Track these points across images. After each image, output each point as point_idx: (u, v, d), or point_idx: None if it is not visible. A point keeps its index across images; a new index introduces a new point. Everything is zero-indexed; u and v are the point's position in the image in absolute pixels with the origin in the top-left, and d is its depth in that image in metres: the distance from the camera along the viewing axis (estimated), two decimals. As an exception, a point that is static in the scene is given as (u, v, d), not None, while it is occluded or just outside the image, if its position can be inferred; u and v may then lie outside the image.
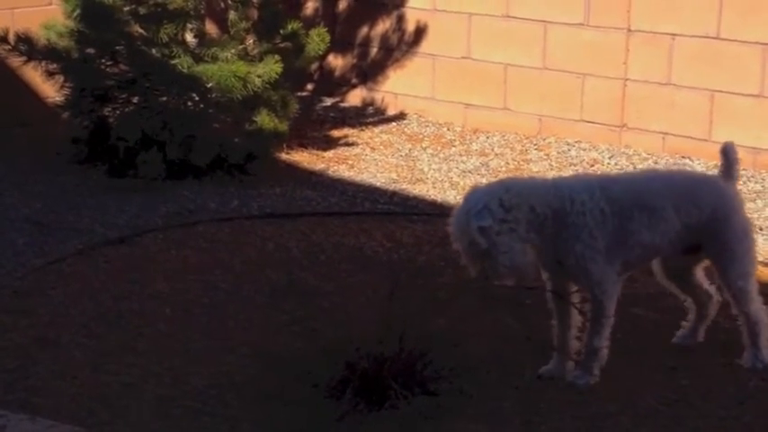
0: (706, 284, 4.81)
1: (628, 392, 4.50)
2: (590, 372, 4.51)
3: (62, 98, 7.45)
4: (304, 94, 9.13)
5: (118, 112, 7.30)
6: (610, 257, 4.41)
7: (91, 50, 7.25)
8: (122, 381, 4.62)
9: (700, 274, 4.80)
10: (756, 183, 7.28)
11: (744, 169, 7.42)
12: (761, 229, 6.49)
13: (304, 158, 7.77)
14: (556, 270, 4.49)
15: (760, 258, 5.94)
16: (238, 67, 7.04)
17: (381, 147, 8.10)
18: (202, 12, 7.41)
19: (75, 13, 7.15)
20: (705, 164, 7.55)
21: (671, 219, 4.48)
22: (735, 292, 4.63)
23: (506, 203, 4.27)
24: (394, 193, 7.11)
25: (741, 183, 7.19)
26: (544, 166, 7.66)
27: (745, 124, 7.53)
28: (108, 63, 7.32)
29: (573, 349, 4.59)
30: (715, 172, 4.82)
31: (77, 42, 7.21)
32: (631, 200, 4.45)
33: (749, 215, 6.58)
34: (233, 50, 7.26)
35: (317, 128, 8.47)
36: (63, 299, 5.40)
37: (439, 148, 8.06)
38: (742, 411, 4.40)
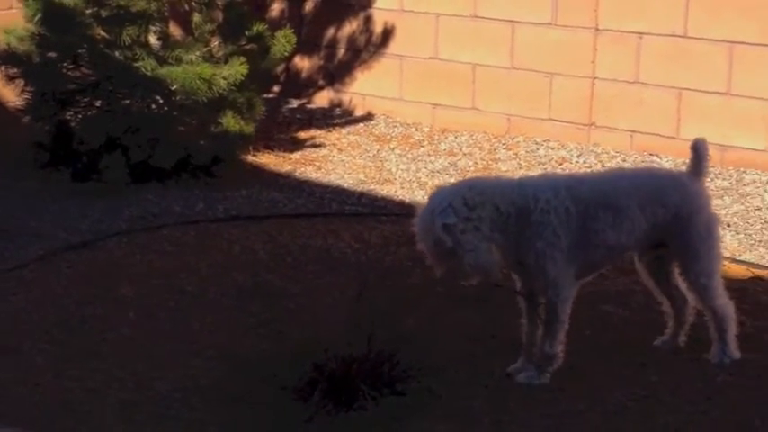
0: (683, 287, 4.75)
1: (597, 389, 4.48)
2: (543, 372, 4.50)
3: (23, 102, 7.37)
4: (270, 95, 9.08)
5: (80, 115, 7.23)
6: (571, 257, 4.38)
7: (52, 54, 7.18)
8: (85, 386, 4.56)
9: (678, 276, 4.75)
10: (724, 180, 7.29)
11: (711, 166, 7.43)
12: (728, 225, 6.49)
13: (270, 160, 7.72)
14: (520, 271, 4.47)
15: (727, 254, 5.98)
16: (203, 69, 6.99)
17: (349, 148, 8.06)
18: (166, 14, 7.34)
19: (36, 17, 7.07)
20: (673, 161, 7.55)
21: (637, 218, 4.47)
22: (699, 289, 4.61)
23: (470, 202, 4.26)
24: (362, 194, 7.07)
25: (709, 180, 7.22)
26: (513, 165, 7.64)
27: (712, 122, 7.54)
28: (70, 66, 7.24)
29: None
30: (683, 169, 4.78)
31: (39, 46, 7.14)
32: (597, 199, 4.42)
33: (716, 212, 6.62)
34: (198, 52, 7.20)
35: (284, 130, 8.43)
36: (25, 305, 5.33)
37: (407, 149, 8.02)
38: (710, 406, 4.38)
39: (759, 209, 6.78)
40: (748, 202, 6.89)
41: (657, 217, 4.50)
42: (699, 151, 4.63)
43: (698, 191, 4.61)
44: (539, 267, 4.37)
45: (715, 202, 6.81)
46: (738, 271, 5.80)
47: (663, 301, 4.82)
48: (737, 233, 6.39)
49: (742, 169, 7.41)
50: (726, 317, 4.66)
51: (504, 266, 4.48)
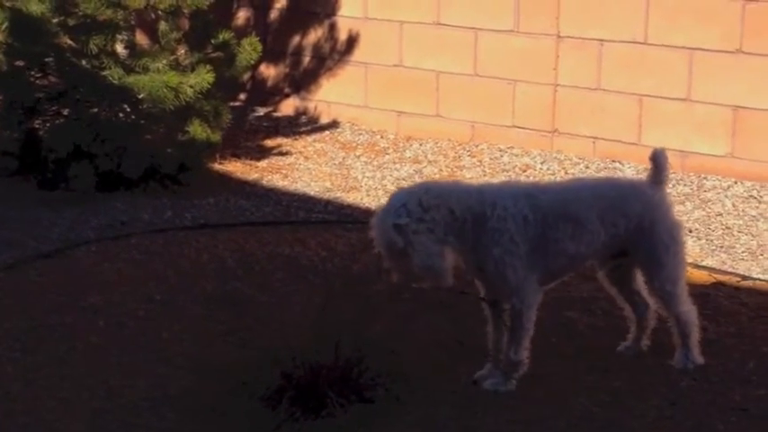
0: (645, 292, 4.79)
1: (562, 395, 4.54)
2: (509, 379, 4.53)
3: (-9, 111, 7.38)
4: (237, 103, 9.11)
5: (48, 124, 7.25)
6: (531, 264, 4.40)
7: (20, 63, 7.19)
8: (56, 395, 4.58)
9: (639, 280, 4.79)
10: (685, 186, 7.39)
11: (673, 172, 7.53)
12: (690, 231, 6.59)
13: (237, 168, 7.76)
14: (482, 278, 4.50)
15: (689, 260, 6.06)
16: (170, 77, 7.02)
17: (315, 155, 8.10)
18: (132, 22, 7.37)
19: (3, 26, 7.09)
20: (635, 167, 7.65)
21: (597, 230, 4.49)
22: (663, 297, 4.65)
23: (425, 204, 4.25)
24: (328, 202, 7.12)
25: (670, 186, 7.31)
26: (477, 172, 7.71)
27: (673, 128, 7.64)
28: (37, 75, 7.28)
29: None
30: (644, 177, 4.86)
31: (6, 55, 7.15)
32: (556, 209, 4.44)
33: (678, 218, 6.72)
34: (164, 61, 7.23)
35: (251, 137, 8.46)
36: (-6, 314, 5.35)
37: (372, 156, 8.08)
38: (675, 411, 4.45)
39: (720, 214, 6.88)
40: (709, 208, 6.99)
41: (619, 227, 4.53)
42: (658, 161, 4.67)
43: (659, 199, 4.64)
44: (499, 274, 4.39)
45: (676, 208, 6.92)
46: (700, 276, 5.88)
47: (625, 306, 4.88)
48: (699, 239, 6.48)
49: (703, 175, 7.51)
50: (689, 323, 4.72)
51: (468, 273, 4.52)
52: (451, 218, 4.30)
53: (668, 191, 6.98)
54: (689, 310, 4.72)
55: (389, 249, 4.28)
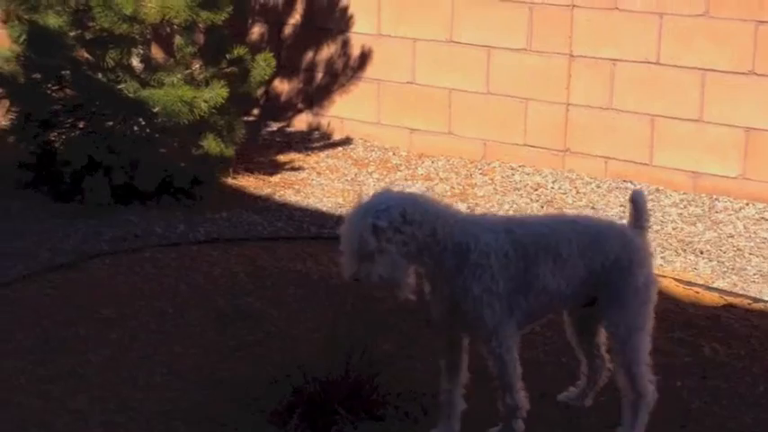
0: (603, 350, 4.54)
1: (575, 415, 4.55)
2: (513, 425, 4.31)
3: (8, 123, 7.43)
4: (250, 118, 9.16)
5: (64, 136, 7.29)
6: (511, 305, 4.17)
7: (37, 75, 7.24)
8: (68, 407, 4.61)
9: (602, 337, 4.52)
10: (697, 207, 7.40)
11: (684, 193, 7.58)
12: (701, 253, 6.60)
13: (250, 183, 7.79)
14: (455, 314, 4.21)
15: (700, 282, 6.08)
16: (184, 91, 7.05)
17: (327, 171, 8.14)
18: (148, 37, 7.42)
19: (21, 38, 7.14)
20: (647, 187, 7.67)
21: (577, 265, 4.24)
22: (619, 343, 4.27)
23: (409, 216, 4.03)
24: (340, 218, 7.07)
25: (682, 206, 7.35)
26: (489, 190, 7.74)
27: (685, 148, 7.66)
28: (54, 88, 7.31)
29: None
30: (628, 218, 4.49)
31: (23, 67, 7.20)
32: (537, 242, 4.21)
33: (689, 239, 6.74)
34: (179, 75, 7.27)
35: (264, 152, 8.50)
36: (8, 325, 5.37)
37: (385, 173, 8.11)
38: (683, 433, 4.47)
39: (731, 236, 6.90)
40: (721, 230, 7.00)
41: (596, 264, 4.25)
42: (637, 203, 4.39)
43: (639, 244, 4.34)
44: (476, 313, 4.13)
45: (688, 229, 6.96)
46: (711, 299, 5.89)
47: (581, 360, 4.63)
48: (710, 260, 6.49)
49: (714, 196, 7.52)
50: (642, 394, 4.27)
51: (433, 305, 4.24)
52: (432, 239, 4.08)
53: (679, 212, 7.05)
54: (644, 376, 4.25)
55: (359, 248, 4.02)
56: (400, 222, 4.02)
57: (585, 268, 4.25)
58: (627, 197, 7.41)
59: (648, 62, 7.73)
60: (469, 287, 4.10)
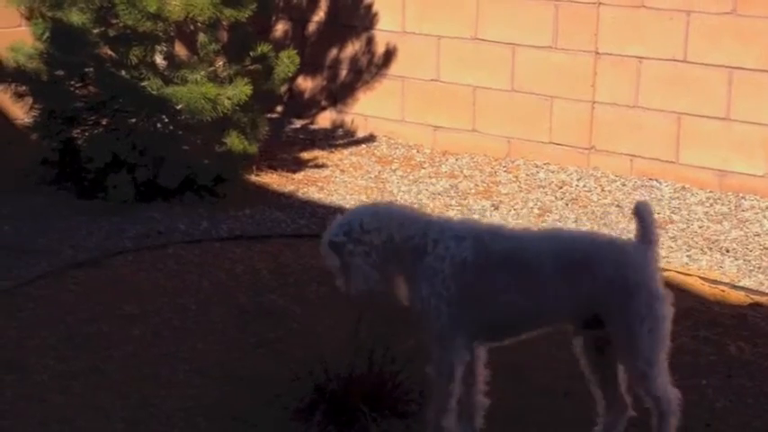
0: (623, 389, 4.17)
1: (593, 414, 4.51)
2: None
3: (31, 120, 7.44)
4: (274, 116, 9.15)
5: (87, 133, 7.30)
6: (463, 314, 4.03)
7: (60, 72, 7.25)
8: (90, 403, 4.62)
9: (622, 374, 4.14)
10: (723, 205, 7.34)
11: (710, 191, 7.53)
12: (727, 251, 6.55)
13: (274, 180, 7.78)
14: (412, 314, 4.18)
15: (726, 280, 6.04)
16: (208, 89, 7.05)
17: (351, 169, 8.12)
18: (172, 34, 7.41)
19: (44, 36, 7.15)
20: (673, 185, 7.61)
21: (555, 284, 3.98)
22: (636, 376, 4.04)
23: (366, 226, 4.06)
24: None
25: (708, 205, 7.30)
26: (513, 188, 7.70)
27: (711, 147, 7.61)
28: (77, 85, 7.32)
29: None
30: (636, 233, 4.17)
31: (47, 64, 7.20)
32: (505, 256, 4.03)
33: (715, 237, 6.69)
34: (202, 72, 7.27)
35: (287, 150, 8.49)
36: (31, 321, 5.38)
37: (408, 170, 8.09)
38: (709, 432, 4.43)
39: (758, 235, 6.84)
40: (747, 228, 6.94)
41: (583, 286, 3.97)
42: (642, 217, 4.07)
43: (641, 263, 4.00)
44: (424, 315, 4.05)
45: (714, 228, 6.90)
46: (737, 297, 5.85)
47: (597, 394, 4.23)
48: (736, 259, 6.44)
49: (741, 195, 7.46)
50: (666, 413, 4.04)
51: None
52: (390, 245, 4.06)
53: (705, 211, 7.01)
54: (668, 397, 4.04)
55: (329, 265, 4.13)
56: (359, 233, 4.05)
57: (569, 289, 3.98)
58: (652, 195, 7.44)
59: (675, 60, 7.68)
60: (419, 288, 4.04)
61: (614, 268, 3.96)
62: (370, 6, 8.89)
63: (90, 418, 4.50)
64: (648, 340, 3.95)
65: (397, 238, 4.06)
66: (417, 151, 8.53)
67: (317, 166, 8.15)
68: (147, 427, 4.45)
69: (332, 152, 8.50)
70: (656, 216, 4.06)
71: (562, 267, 3.98)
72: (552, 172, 7.99)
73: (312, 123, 9.26)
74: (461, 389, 4.20)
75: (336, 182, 7.80)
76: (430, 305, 4.02)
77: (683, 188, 7.61)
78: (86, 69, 7.25)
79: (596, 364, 4.15)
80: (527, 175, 7.96)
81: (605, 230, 6.83)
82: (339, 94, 9.17)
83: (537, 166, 8.10)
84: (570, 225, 6.96)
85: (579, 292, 3.98)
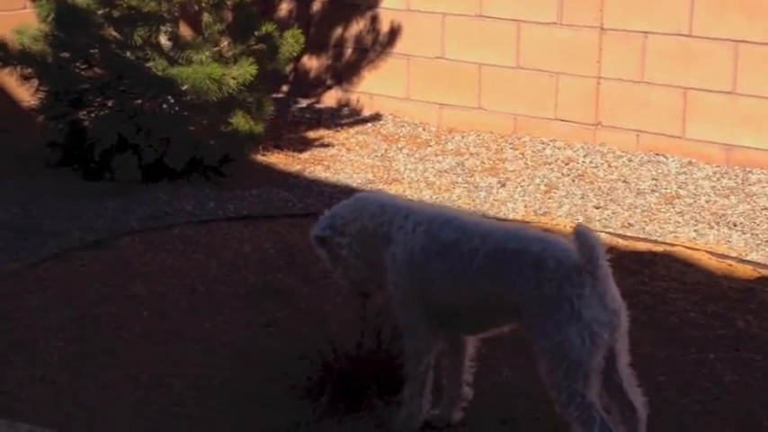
0: (632, 395, 3.87)
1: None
2: (403, 421, 4.22)
3: (37, 102, 7.45)
4: (279, 95, 9.15)
5: (93, 115, 7.30)
6: (418, 303, 4.02)
7: (65, 54, 7.24)
8: (100, 384, 4.63)
9: (629, 378, 3.88)
10: (730, 179, 7.33)
11: (717, 166, 7.52)
12: (735, 225, 6.54)
13: (280, 160, 7.78)
14: None
15: (734, 254, 6.03)
16: (213, 69, 7.04)
17: (357, 147, 8.12)
18: (176, 14, 7.40)
19: (49, 17, 7.14)
20: (679, 160, 7.60)
21: (481, 280, 3.87)
22: (551, 393, 3.77)
23: (347, 218, 4.18)
24: (370, 192, 7.11)
25: (715, 179, 7.30)
26: (519, 165, 7.69)
27: (718, 121, 7.59)
28: (82, 66, 7.31)
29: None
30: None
31: (52, 46, 7.20)
32: (441, 245, 3.97)
33: (722, 212, 6.68)
34: (207, 53, 7.26)
35: (293, 129, 8.48)
36: (40, 303, 5.40)
37: (414, 148, 8.09)
38: (719, 406, 4.43)
39: (765, 208, 6.82)
40: (754, 202, 6.93)
41: (500, 287, 3.83)
42: (582, 244, 3.67)
43: (562, 281, 3.69)
44: (392, 302, 4.11)
45: (721, 202, 6.90)
46: (745, 271, 5.84)
47: (612, 407, 3.89)
48: (744, 233, 6.43)
49: (748, 168, 7.45)
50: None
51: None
52: (365, 234, 4.13)
53: (712, 184, 6.98)
54: (570, 416, 3.72)
55: (323, 260, 4.27)
56: (341, 226, 4.17)
57: (492, 287, 3.85)
58: (659, 171, 7.44)
59: (680, 34, 7.66)
60: (386, 275, 4.10)
61: (533, 280, 3.74)
62: (374, -16, 8.88)
63: (100, 398, 4.52)
64: (549, 362, 3.72)
65: (370, 227, 4.14)
66: (423, 129, 8.52)
67: (324, 146, 8.14)
68: (158, 406, 4.47)
69: (338, 131, 8.50)
70: (599, 248, 3.66)
71: (487, 265, 3.85)
72: (558, 148, 7.98)
73: (318, 102, 9.25)
74: (448, 378, 4.24)
75: (343, 161, 7.80)
76: (393, 295, 4.08)
77: (690, 163, 7.60)
78: (91, 51, 7.24)
79: (604, 372, 3.80)
80: (533, 151, 7.95)
81: (612, 206, 6.84)
82: (344, 72, 9.16)
83: (543, 143, 8.09)
84: (577, 201, 6.95)
85: (499, 292, 3.85)
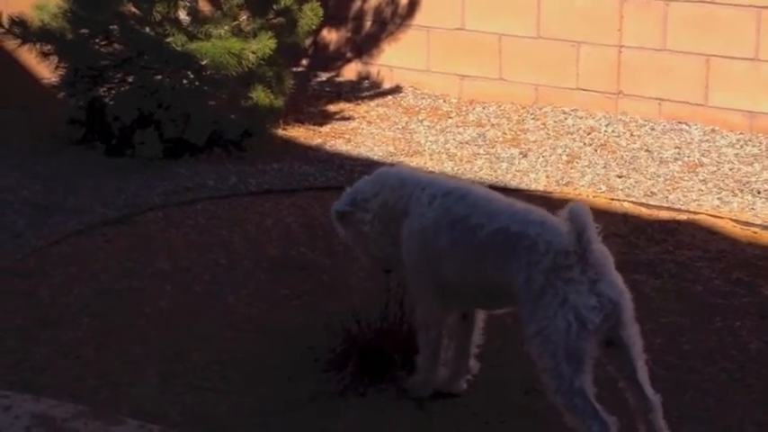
0: (647, 388, 3.78)
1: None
2: (416, 386, 4.30)
3: (57, 79, 7.45)
4: (299, 69, 9.12)
5: (113, 91, 7.30)
6: (432, 276, 4.05)
7: (85, 30, 7.24)
8: (125, 358, 4.66)
9: (643, 372, 3.79)
10: (753, 146, 7.28)
11: (740, 133, 7.46)
12: (759, 192, 6.50)
13: (301, 134, 7.77)
14: None
15: (758, 222, 6.00)
16: (232, 43, 7.03)
17: (378, 120, 8.09)
18: (195, -11, 7.39)
19: (68, -6, 7.14)
20: (702, 128, 7.55)
21: (481, 260, 3.88)
22: (542, 379, 3.75)
23: (367, 194, 4.20)
24: (392, 167, 7.08)
25: (738, 146, 7.24)
26: (541, 135, 7.66)
27: (740, 88, 7.53)
28: (102, 43, 7.31)
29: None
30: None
31: (71, 23, 7.19)
32: (452, 219, 3.97)
33: (746, 179, 6.64)
34: (226, 27, 7.24)
35: (313, 103, 8.47)
36: (64, 279, 5.42)
37: (435, 120, 8.06)
38: (744, 374, 4.42)
39: (788, 175, 6.79)
40: (778, 169, 6.89)
41: (509, 271, 3.79)
42: (575, 221, 3.62)
43: (555, 260, 3.67)
44: (406, 273, 4.17)
45: (745, 170, 6.85)
46: (769, 239, 5.82)
47: (629, 396, 3.83)
48: None
49: (771, 136, 7.40)
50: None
51: None
52: (386, 209, 4.15)
53: (735, 152, 6.94)
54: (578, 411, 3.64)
55: (342, 237, 4.28)
56: (363, 202, 4.18)
57: (492, 266, 3.85)
58: (682, 139, 7.39)
59: (702, 1, 7.59)
60: (401, 249, 4.12)
61: (525, 263, 3.73)
62: (392, -44, 8.83)
63: (125, 373, 4.54)
64: (536, 346, 3.72)
65: (391, 201, 4.15)
66: (444, 101, 8.49)
67: (344, 119, 8.12)
68: (182, 380, 4.49)
69: (358, 104, 8.47)
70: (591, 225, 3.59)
71: (488, 244, 3.85)
72: (580, 118, 7.94)
73: (338, 76, 9.22)
74: (453, 350, 4.26)
75: (363, 134, 7.79)
76: (407, 261, 4.10)
77: (713, 130, 7.55)
78: (111, 27, 7.24)
79: (614, 362, 3.80)
80: (555, 121, 7.91)
81: (635, 175, 6.80)
82: (364, 45, 9.12)
83: (565, 113, 8.05)
84: (600, 171, 6.91)
85: (498, 273, 3.84)
